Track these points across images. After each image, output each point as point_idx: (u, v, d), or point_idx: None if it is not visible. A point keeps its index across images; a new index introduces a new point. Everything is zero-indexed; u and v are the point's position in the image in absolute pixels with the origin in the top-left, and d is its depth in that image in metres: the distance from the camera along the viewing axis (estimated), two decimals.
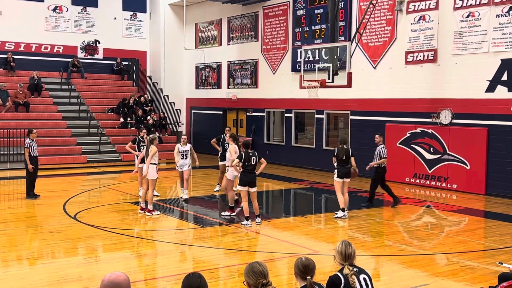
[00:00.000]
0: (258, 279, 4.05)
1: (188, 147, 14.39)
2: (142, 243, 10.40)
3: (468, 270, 8.58)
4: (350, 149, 12.39)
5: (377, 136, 13.90)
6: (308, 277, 4.36)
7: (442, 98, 16.51)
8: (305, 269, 4.41)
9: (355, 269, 4.76)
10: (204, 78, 26.88)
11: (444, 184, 16.41)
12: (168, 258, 9.24)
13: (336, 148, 12.31)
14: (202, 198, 15.03)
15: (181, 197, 14.31)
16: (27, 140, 14.14)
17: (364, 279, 4.75)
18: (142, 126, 19.53)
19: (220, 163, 15.14)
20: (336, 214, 12.28)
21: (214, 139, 15.54)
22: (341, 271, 4.75)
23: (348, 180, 12.31)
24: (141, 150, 14.32)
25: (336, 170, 12.22)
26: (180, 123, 26.45)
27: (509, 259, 8.91)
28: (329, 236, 11.10)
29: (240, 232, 11.02)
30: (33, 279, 7.89)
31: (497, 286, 5.76)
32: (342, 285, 4.64)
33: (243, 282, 4.15)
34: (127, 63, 27.53)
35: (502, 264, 6.78)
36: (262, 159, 11.63)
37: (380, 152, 13.46)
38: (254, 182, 11.37)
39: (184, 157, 14.32)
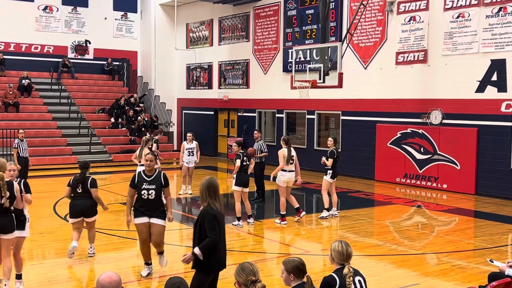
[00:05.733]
0: (248, 276, 4.08)
1: (194, 144, 15.07)
2: (133, 243, 10.36)
3: (458, 270, 8.62)
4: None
5: (256, 132, 14.47)
6: (307, 275, 4.36)
7: (432, 99, 16.58)
8: (303, 267, 4.43)
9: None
10: (195, 78, 26.84)
11: (434, 184, 16.49)
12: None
13: (333, 149, 12.22)
14: (194, 198, 15.00)
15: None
16: (16, 140, 14.13)
17: (359, 281, 4.73)
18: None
19: None
20: (322, 214, 12.32)
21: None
22: (337, 271, 4.70)
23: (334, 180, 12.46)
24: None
25: (331, 171, 12.22)
26: (171, 124, 26.40)
27: (498, 258, 8.95)
28: (320, 236, 11.12)
29: (231, 232, 11.01)
30: (23, 280, 7.84)
31: (487, 286, 5.78)
32: (337, 286, 4.59)
33: (234, 284, 4.16)
34: (117, 63, 27.43)
35: (492, 262, 6.81)
36: (252, 159, 11.74)
37: (260, 147, 14.02)
38: (249, 182, 11.41)
39: (191, 154, 14.95)
